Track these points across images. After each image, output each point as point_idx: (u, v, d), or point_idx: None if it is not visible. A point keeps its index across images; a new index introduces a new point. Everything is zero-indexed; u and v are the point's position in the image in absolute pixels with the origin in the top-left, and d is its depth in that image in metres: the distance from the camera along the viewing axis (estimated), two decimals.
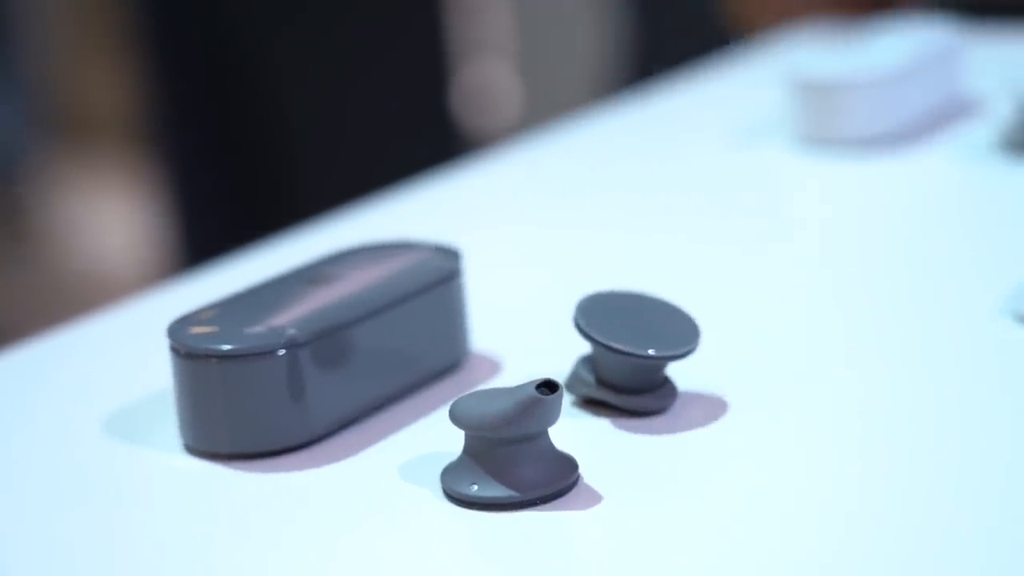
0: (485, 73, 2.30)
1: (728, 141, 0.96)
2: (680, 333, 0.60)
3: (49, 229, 2.62)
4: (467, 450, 0.54)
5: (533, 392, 0.52)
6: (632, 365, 0.58)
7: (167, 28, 2.13)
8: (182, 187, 2.19)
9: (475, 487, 0.53)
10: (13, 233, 2.60)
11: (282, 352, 0.57)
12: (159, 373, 0.62)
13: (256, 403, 0.57)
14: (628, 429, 0.58)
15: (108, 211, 2.61)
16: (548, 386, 0.53)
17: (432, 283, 0.63)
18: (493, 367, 0.64)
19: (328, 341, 0.58)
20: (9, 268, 2.52)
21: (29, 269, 2.53)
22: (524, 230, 0.83)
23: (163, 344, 0.59)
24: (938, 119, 0.95)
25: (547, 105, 2.09)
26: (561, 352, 0.63)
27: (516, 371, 0.64)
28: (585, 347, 0.61)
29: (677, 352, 0.59)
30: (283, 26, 2.14)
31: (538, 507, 0.53)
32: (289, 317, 0.58)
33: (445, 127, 2.21)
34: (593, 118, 1.03)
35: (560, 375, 0.61)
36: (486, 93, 2.29)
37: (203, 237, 2.17)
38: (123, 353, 0.69)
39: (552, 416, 0.53)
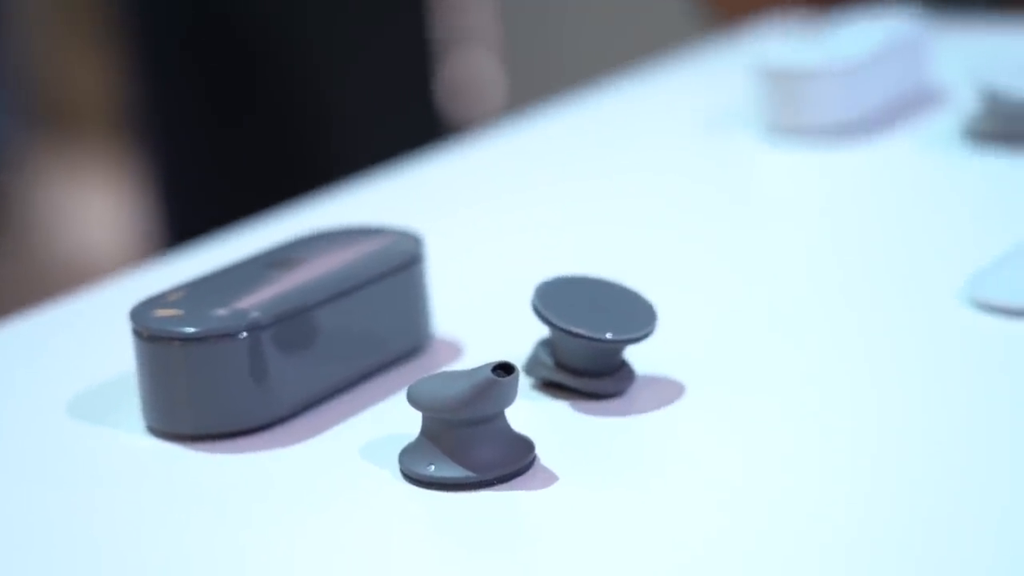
0: (469, 64, 2.31)
1: (696, 130, 0.97)
2: (637, 317, 0.60)
3: (32, 219, 2.62)
4: (425, 431, 0.55)
5: (489, 374, 0.53)
6: (590, 348, 0.59)
7: (150, 18, 2.14)
8: (165, 176, 2.19)
9: (432, 468, 0.54)
10: None
11: (244, 335, 0.58)
12: (124, 355, 0.63)
13: (218, 385, 0.58)
14: (586, 411, 0.59)
15: (92, 201, 2.61)
16: (504, 368, 0.53)
17: (395, 268, 0.63)
18: (455, 351, 0.65)
19: (290, 324, 0.59)
20: None
21: (12, 259, 2.53)
22: (488, 216, 0.84)
23: (128, 327, 0.60)
24: (903, 108, 0.96)
25: (531, 96, 2.09)
26: (523, 336, 0.63)
27: (478, 355, 0.64)
28: (546, 331, 0.62)
29: (634, 336, 0.59)
30: (268, 17, 2.14)
31: (495, 487, 0.54)
32: (252, 300, 0.59)
33: (430, 118, 2.22)
34: (562, 106, 1.03)
35: (521, 359, 0.62)
36: (471, 84, 2.30)
37: (186, 226, 2.17)
38: (90, 336, 0.69)
39: (508, 398, 0.54)
